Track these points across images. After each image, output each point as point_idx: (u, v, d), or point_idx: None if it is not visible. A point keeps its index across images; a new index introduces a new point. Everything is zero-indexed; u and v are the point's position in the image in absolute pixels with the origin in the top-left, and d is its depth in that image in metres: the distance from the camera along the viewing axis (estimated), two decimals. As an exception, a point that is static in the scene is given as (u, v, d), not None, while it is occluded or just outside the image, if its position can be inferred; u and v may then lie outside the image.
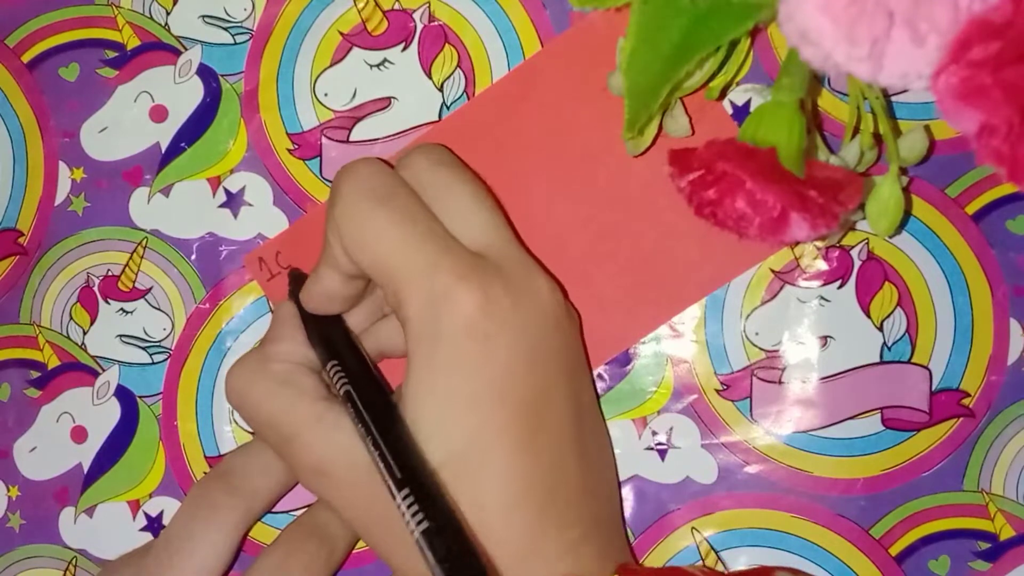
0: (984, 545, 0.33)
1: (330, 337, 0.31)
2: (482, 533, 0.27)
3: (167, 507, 0.36)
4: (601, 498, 0.31)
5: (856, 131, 0.30)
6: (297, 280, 0.33)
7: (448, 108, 0.35)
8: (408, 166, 0.30)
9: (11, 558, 0.37)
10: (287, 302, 0.33)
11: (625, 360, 0.34)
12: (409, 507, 0.26)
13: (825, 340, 0.33)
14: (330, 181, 0.35)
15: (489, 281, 0.28)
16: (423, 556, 0.25)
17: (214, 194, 0.36)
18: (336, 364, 0.30)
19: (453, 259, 0.28)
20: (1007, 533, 0.33)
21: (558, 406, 0.29)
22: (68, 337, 0.37)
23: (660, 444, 0.34)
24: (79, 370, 0.37)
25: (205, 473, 0.36)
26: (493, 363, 0.28)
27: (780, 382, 0.33)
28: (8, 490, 0.37)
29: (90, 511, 0.37)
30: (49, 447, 0.37)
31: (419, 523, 0.26)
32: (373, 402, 0.29)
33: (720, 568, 0.34)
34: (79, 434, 0.37)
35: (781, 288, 0.34)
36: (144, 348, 0.36)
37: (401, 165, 0.30)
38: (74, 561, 0.37)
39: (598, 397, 0.34)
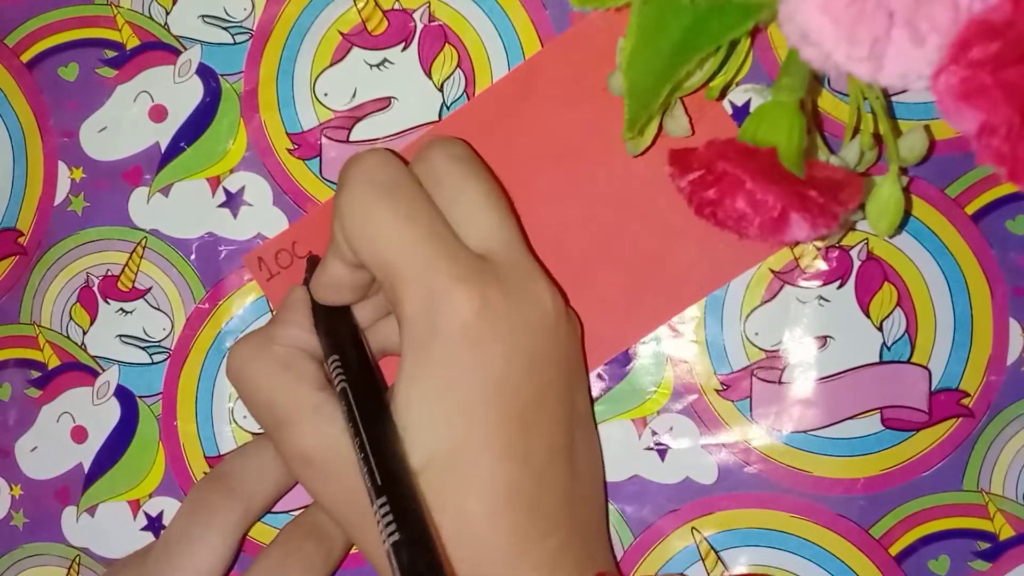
0: (984, 545, 0.33)
1: (336, 330, 0.31)
2: (463, 539, 0.27)
3: (167, 507, 0.36)
4: (586, 506, 0.31)
5: (856, 131, 0.30)
6: (313, 266, 0.33)
7: (448, 108, 0.35)
8: (426, 158, 0.30)
9: (16, 556, 0.37)
10: (300, 287, 0.32)
11: (625, 360, 0.34)
12: (384, 516, 0.26)
13: (825, 340, 0.33)
14: (330, 181, 0.35)
15: (488, 286, 0.28)
16: (391, 567, 0.25)
17: (213, 194, 0.36)
18: (337, 360, 0.30)
19: (453, 261, 0.28)
20: (1007, 533, 0.33)
21: (551, 413, 0.29)
22: (68, 337, 0.37)
23: (660, 444, 0.34)
24: (79, 370, 0.37)
25: (204, 474, 0.36)
26: (486, 368, 0.27)
27: (780, 382, 0.33)
28: (11, 489, 0.37)
29: (91, 510, 0.37)
30: (50, 447, 0.37)
31: (391, 534, 0.25)
32: (366, 404, 0.28)
33: (721, 569, 0.34)
34: (79, 434, 0.37)
35: (781, 288, 0.33)
36: (144, 348, 0.36)
37: (419, 157, 0.30)
38: (77, 559, 0.37)
39: (592, 403, 0.34)
